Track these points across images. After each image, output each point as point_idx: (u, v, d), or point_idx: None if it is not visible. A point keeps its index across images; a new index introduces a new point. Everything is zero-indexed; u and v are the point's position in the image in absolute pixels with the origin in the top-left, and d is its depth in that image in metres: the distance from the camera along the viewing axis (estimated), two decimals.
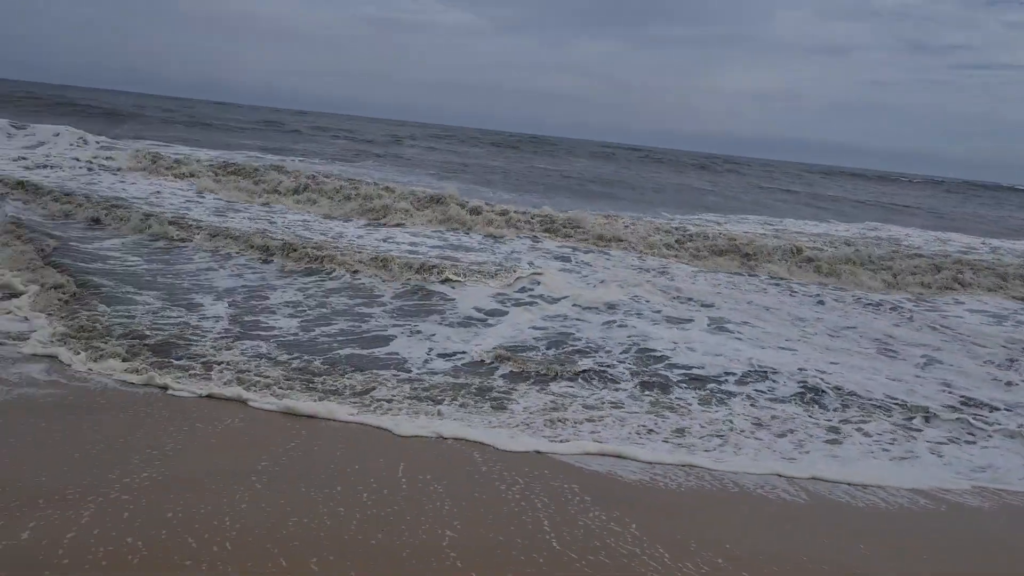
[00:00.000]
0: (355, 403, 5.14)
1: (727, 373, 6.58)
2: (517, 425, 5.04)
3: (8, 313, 6.25)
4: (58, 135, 21.67)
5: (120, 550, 3.16)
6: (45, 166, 16.64)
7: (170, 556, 3.15)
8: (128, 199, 12.99)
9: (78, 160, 18.24)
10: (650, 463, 4.59)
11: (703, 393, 6.07)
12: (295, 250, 9.50)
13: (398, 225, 13.24)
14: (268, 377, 5.43)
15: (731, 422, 5.52)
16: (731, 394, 6.12)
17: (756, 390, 6.27)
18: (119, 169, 16.51)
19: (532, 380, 5.98)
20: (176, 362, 5.58)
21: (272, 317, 7.03)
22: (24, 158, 17.81)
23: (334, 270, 8.92)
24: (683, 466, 4.62)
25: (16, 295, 6.76)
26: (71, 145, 20.94)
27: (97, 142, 21.45)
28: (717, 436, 5.22)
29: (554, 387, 5.87)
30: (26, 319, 6.17)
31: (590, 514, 3.84)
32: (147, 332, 6.15)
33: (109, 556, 3.11)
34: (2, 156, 17.47)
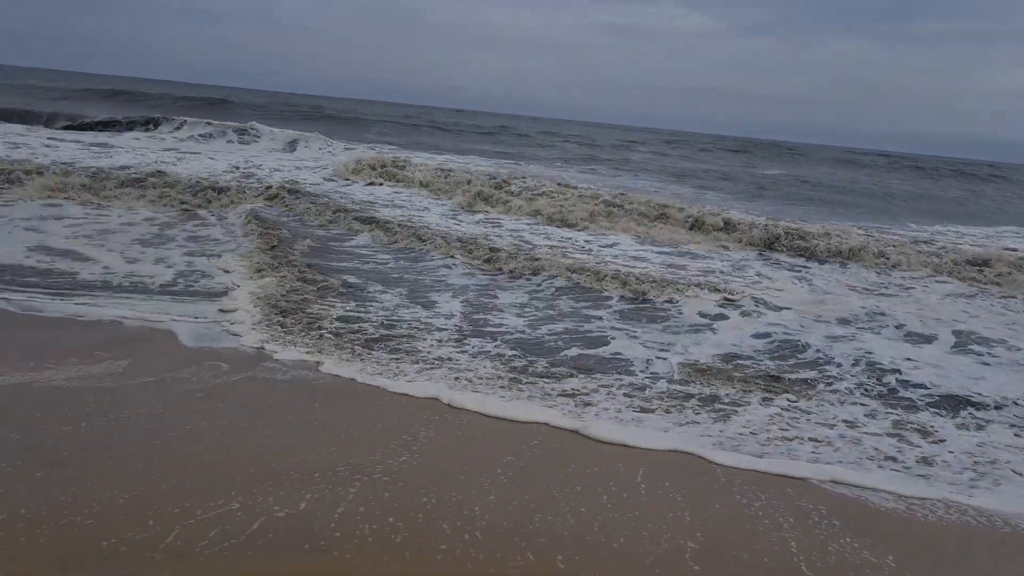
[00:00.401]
0: (580, 407, 5.17)
1: (978, 397, 5.99)
2: (745, 438, 4.86)
3: (231, 311, 6.66)
4: (308, 141, 23.98)
5: (383, 528, 3.41)
6: (299, 168, 18.38)
7: (427, 540, 3.36)
8: (375, 202, 14.05)
9: (330, 161, 20.04)
10: (903, 495, 4.26)
11: (951, 418, 5.56)
12: (514, 256, 9.81)
13: (623, 231, 13.26)
14: (499, 377, 5.60)
15: (989, 453, 5.01)
16: (986, 421, 5.57)
17: (1017, 416, 5.67)
18: (359, 172, 17.82)
19: (756, 392, 5.74)
20: (408, 357, 5.88)
21: (500, 315, 7.31)
22: (283, 161, 19.77)
23: (559, 274, 9.09)
24: (939, 499, 4.26)
25: (249, 287, 7.41)
26: (320, 149, 23.05)
27: (345, 148, 23.44)
28: (972, 469, 4.76)
29: (779, 401, 5.60)
30: (236, 309, 6.69)
31: (840, 540, 3.64)
32: (384, 328, 6.58)
33: (374, 533, 3.37)
34: (263, 160, 19.49)
